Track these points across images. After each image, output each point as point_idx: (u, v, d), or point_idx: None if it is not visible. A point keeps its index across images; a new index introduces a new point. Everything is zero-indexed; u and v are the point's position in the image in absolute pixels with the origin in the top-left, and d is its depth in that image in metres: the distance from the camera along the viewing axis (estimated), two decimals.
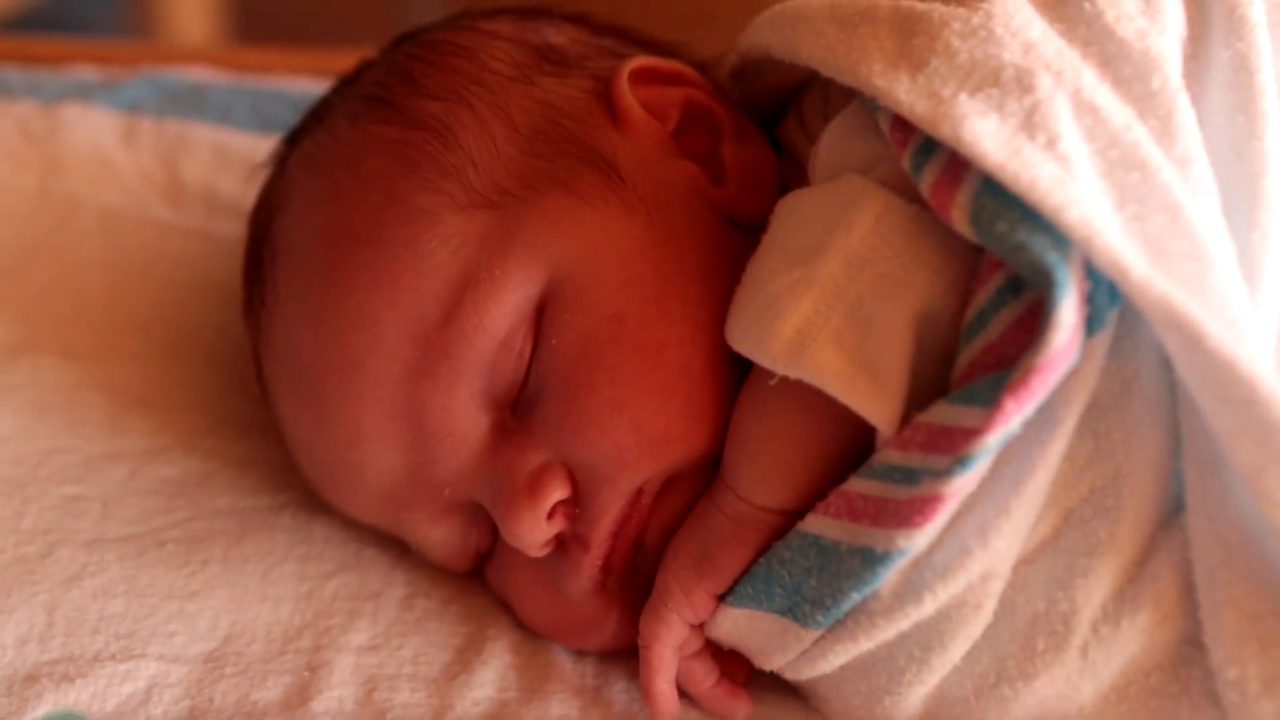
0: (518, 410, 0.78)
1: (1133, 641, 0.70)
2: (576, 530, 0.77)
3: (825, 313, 0.70)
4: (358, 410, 0.79)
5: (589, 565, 0.78)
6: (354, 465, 0.80)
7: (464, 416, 0.78)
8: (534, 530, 0.76)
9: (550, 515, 0.76)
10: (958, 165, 0.68)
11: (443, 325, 0.77)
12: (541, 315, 0.77)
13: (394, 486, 0.80)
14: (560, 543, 0.78)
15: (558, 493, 0.76)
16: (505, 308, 0.77)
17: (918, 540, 0.67)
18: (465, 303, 0.77)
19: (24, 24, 2.37)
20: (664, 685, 0.77)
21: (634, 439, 0.75)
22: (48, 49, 1.31)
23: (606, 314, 0.76)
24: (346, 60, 0.93)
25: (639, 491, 0.77)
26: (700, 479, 0.77)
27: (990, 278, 0.68)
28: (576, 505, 0.77)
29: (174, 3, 2.36)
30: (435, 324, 0.77)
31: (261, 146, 0.99)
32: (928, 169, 0.69)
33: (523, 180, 0.79)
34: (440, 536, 0.82)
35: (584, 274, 0.77)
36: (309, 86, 1.17)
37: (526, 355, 0.77)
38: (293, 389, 0.82)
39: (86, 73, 1.24)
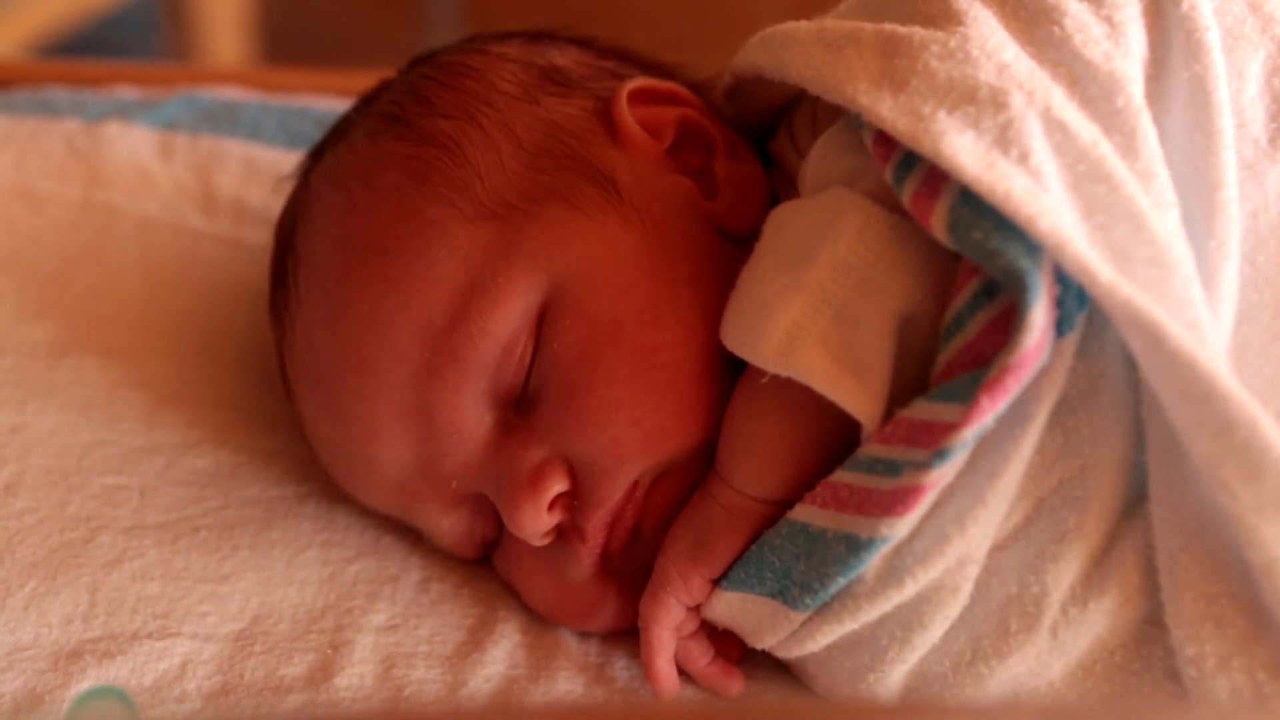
0: (520, 408, 0.78)
1: (1099, 622, 0.70)
2: (575, 521, 0.77)
3: (813, 315, 0.70)
4: (371, 408, 0.78)
5: (587, 553, 0.77)
6: (368, 459, 0.80)
7: (469, 414, 0.77)
8: (535, 521, 0.76)
9: (550, 507, 0.76)
10: (936, 178, 0.67)
11: (450, 329, 0.77)
12: (543, 320, 0.77)
13: (405, 479, 0.80)
14: (560, 532, 0.78)
15: (557, 486, 0.76)
16: (508, 313, 0.76)
17: (899, 528, 0.67)
18: (471, 308, 0.76)
19: (71, 48, 2.37)
20: (663, 664, 0.77)
21: (630, 435, 0.75)
22: (92, 70, 1.31)
23: (604, 319, 0.76)
24: (367, 80, 0.93)
25: (634, 484, 0.76)
26: (692, 472, 0.76)
27: (967, 283, 0.68)
28: (575, 498, 0.76)
29: (209, 27, 2.36)
30: (443, 328, 0.77)
31: (288, 160, 0.99)
32: (908, 181, 0.69)
33: (526, 194, 0.79)
34: (449, 525, 0.82)
35: (583, 282, 0.77)
36: (332, 104, 1.17)
37: (528, 358, 0.77)
38: (312, 387, 0.82)
39: (127, 92, 1.24)
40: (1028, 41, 0.72)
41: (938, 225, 0.67)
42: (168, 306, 1.01)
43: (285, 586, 0.83)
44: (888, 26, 0.73)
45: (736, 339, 0.74)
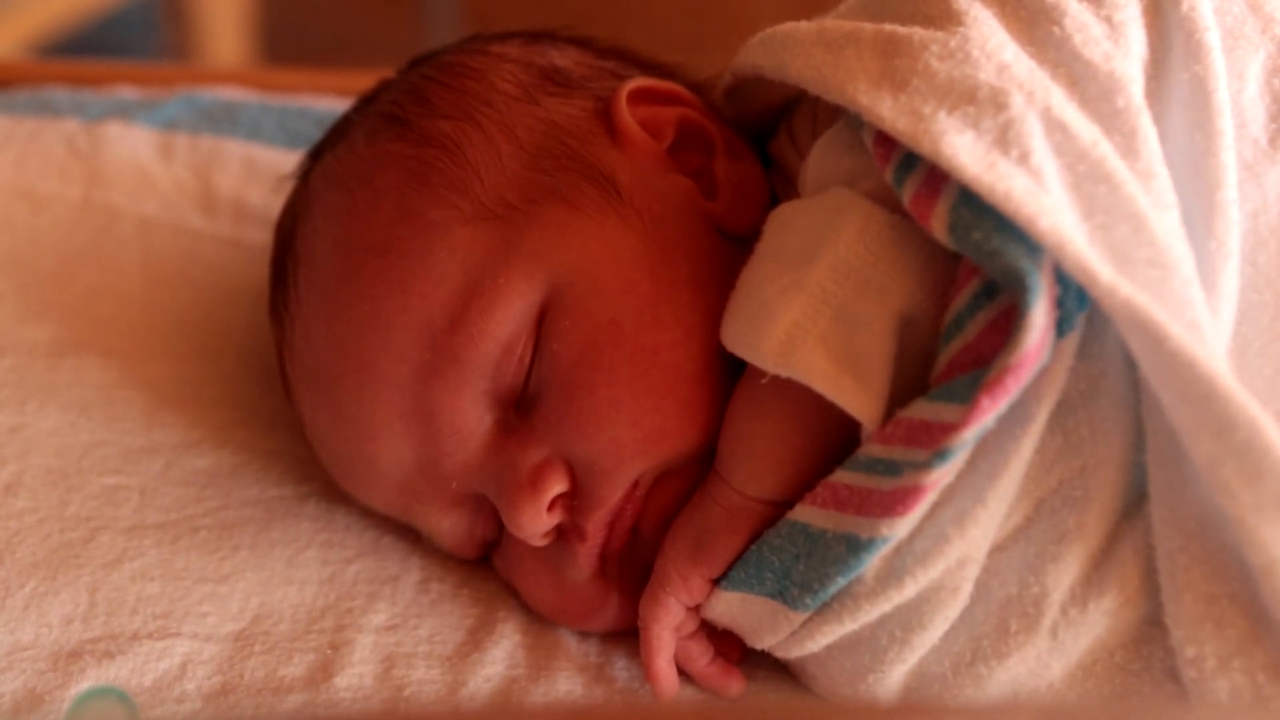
0: (520, 408, 0.78)
1: (1099, 623, 0.70)
2: (575, 521, 0.77)
3: (813, 316, 0.70)
4: (371, 408, 0.78)
5: (586, 554, 0.77)
6: (368, 459, 0.80)
7: (469, 415, 0.77)
8: (535, 521, 0.76)
9: (550, 507, 0.76)
10: (937, 178, 0.67)
11: (450, 330, 0.77)
12: (543, 321, 0.77)
13: (405, 479, 0.80)
14: (560, 533, 0.78)
15: (557, 486, 0.76)
16: (508, 314, 0.76)
17: (899, 528, 0.67)
18: (471, 309, 0.76)
19: (71, 48, 2.37)
20: (663, 664, 0.77)
21: (630, 435, 0.75)
22: (92, 71, 1.31)
23: (604, 320, 0.76)
24: (367, 80, 0.93)
25: (634, 485, 0.76)
26: (692, 473, 0.76)
27: (967, 283, 0.68)
28: (575, 498, 0.76)
29: (209, 27, 2.36)
30: (443, 329, 0.77)
31: (288, 160, 0.99)
32: (909, 181, 0.69)
33: (526, 194, 0.79)
34: (449, 526, 0.82)
35: (583, 282, 0.77)
36: (332, 104, 1.17)
37: (528, 358, 0.77)
38: (312, 387, 0.82)
39: (127, 92, 1.24)
40: (1028, 42, 0.72)
41: (938, 226, 0.67)
42: (168, 306, 1.01)
43: (285, 586, 0.83)
44: (888, 27, 0.73)
45: (737, 339, 0.74)
